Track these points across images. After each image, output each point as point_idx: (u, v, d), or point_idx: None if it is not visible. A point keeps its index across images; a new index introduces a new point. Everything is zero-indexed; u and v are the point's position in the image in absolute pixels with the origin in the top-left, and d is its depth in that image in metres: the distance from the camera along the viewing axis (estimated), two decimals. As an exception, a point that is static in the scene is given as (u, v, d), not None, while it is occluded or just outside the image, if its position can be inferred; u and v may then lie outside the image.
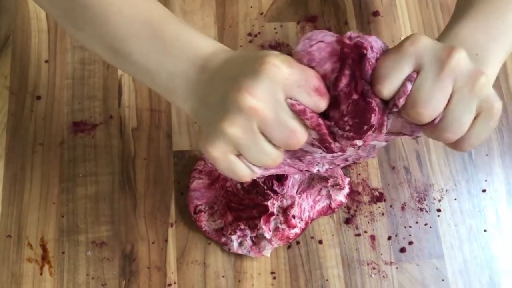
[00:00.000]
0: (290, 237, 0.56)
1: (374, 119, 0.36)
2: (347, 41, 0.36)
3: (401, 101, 0.36)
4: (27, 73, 0.64)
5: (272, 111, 0.35)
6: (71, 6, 0.44)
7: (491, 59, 0.42)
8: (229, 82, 0.36)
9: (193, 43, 0.41)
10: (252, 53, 0.38)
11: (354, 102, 0.36)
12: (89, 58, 0.66)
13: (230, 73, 0.37)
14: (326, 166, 0.44)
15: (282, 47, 0.68)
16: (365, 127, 0.36)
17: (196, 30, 0.43)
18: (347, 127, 0.36)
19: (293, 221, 0.55)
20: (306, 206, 0.56)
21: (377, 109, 0.36)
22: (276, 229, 0.55)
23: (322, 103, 0.36)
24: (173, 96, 0.42)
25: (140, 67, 0.42)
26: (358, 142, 0.38)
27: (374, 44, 0.36)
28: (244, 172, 0.38)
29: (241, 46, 0.68)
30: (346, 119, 0.36)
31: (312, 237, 0.60)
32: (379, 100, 0.36)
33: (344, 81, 0.35)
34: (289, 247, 0.60)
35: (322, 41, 0.36)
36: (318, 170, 0.43)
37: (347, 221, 0.61)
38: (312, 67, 0.36)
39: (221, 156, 0.37)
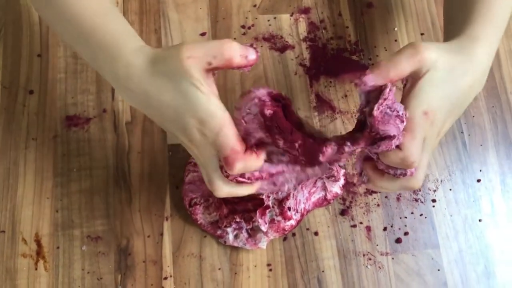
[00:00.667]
0: (286, 229, 0.56)
1: (324, 158, 0.42)
2: (267, 113, 0.40)
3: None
4: (19, 67, 0.64)
5: (205, 163, 0.43)
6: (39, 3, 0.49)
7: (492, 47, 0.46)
8: (168, 123, 0.43)
9: (112, 55, 0.43)
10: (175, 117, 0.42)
11: (301, 146, 0.41)
12: (82, 52, 0.65)
13: (163, 117, 0.43)
14: (294, 182, 0.47)
15: (276, 39, 0.68)
16: (316, 162, 0.42)
17: (122, 29, 0.45)
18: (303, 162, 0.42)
19: (289, 213, 0.55)
20: (301, 198, 0.56)
21: (329, 150, 0.42)
22: (272, 221, 0.55)
23: (230, 172, 0.41)
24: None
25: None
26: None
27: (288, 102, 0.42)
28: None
29: (234, 38, 0.67)
30: (301, 158, 0.42)
31: (307, 229, 0.60)
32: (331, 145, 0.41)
33: (280, 143, 0.41)
34: (284, 239, 0.59)
35: (249, 113, 0.41)
36: (288, 188, 0.46)
37: (343, 213, 0.61)
38: (250, 134, 0.41)
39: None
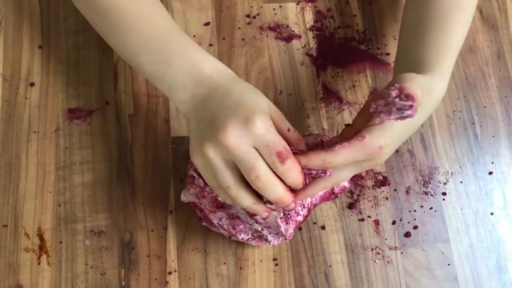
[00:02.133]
0: (294, 226, 0.55)
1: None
2: None
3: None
4: (20, 59, 0.63)
5: (241, 152, 0.43)
6: (96, 18, 0.53)
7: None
8: (220, 113, 0.44)
9: (192, 59, 0.48)
10: (246, 100, 0.45)
11: None
12: (84, 43, 0.64)
13: (223, 105, 0.45)
14: (249, 236, 0.54)
15: (282, 28, 0.66)
16: None
17: (198, 45, 0.50)
18: None
19: (296, 209, 0.53)
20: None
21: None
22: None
23: (278, 165, 0.43)
24: (172, 98, 0.49)
25: (147, 73, 0.50)
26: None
27: None
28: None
29: (239, 28, 0.66)
30: None
31: (314, 223, 0.59)
32: None
33: None
34: (291, 233, 0.58)
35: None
36: (242, 238, 0.54)
37: (350, 206, 0.60)
38: None
39: (201, 166, 0.46)
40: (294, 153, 0.45)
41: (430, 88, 0.47)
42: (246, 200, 0.46)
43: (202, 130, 0.45)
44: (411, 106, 0.41)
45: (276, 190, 0.44)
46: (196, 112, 0.47)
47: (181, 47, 0.49)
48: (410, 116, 0.41)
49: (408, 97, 0.41)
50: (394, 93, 0.42)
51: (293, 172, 0.44)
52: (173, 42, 0.49)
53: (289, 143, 0.46)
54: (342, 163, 0.44)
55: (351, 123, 0.47)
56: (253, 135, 0.43)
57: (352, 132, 0.45)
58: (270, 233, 0.53)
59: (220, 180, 0.45)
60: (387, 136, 0.44)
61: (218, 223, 0.53)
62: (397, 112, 0.41)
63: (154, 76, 0.50)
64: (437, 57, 0.51)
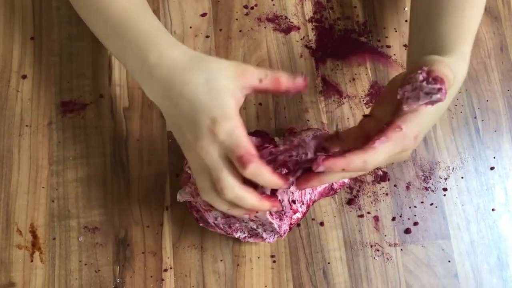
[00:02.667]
0: (292, 223, 0.54)
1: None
2: None
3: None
4: (12, 50, 0.61)
5: (209, 162, 0.42)
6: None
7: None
8: (182, 121, 0.43)
9: (142, 45, 0.45)
10: (200, 104, 0.42)
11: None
12: (77, 34, 0.62)
13: (181, 112, 0.43)
14: (245, 234, 0.53)
15: (280, 20, 0.64)
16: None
17: (155, 26, 0.47)
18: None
19: (294, 206, 0.52)
20: (307, 188, 0.53)
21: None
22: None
23: (242, 171, 0.41)
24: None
25: (117, 59, 0.51)
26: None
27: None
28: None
29: (236, 19, 0.64)
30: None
31: (313, 219, 0.58)
32: None
33: None
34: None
35: None
36: (239, 236, 0.53)
37: (350, 202, 0.59)
38: None
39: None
40: (330, 156, 0.40)
41: (455, 70, 0.44)
42: (222, 206, 0.44)
43: (179, 135, 0.44)
44: (439, 90, 0.38)
45: (245, 202, 0.43)
46: (164, 111, 0.46)
47: (135, 31, 0.46)
48: (439, 100, 0.38)
49: (436, 79, 0.38)
50: (421, 77, 0.39)
51: (260, 176, 0.41)
52: (129, 26, 0.47)
53: (267, 91, 0.43)
54: (384, 161, 0.41)
55: (368, 113, 0.44)
56: (217, 143, 0.41)
57: (372, 124, 0.42)
58: (265, 231, 0.52)
59: (197, 183, 0.45)
60: (419, 124, 0.41)
61: (213, 222, 0.52)
62: (426, 97, 0.38)
63: (125, 66, 0.49)
64: (457, 38, 0.48)
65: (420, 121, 0.41)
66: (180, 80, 0.43)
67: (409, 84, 0.39)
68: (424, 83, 0.39)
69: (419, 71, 0.39)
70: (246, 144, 0.41)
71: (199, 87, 0.42)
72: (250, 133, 0.53)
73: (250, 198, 0.43)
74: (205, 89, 0.42)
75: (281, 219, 0.51)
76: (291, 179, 0.44)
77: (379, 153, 0.40)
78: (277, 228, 0.51)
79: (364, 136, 0.44)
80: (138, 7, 0.49)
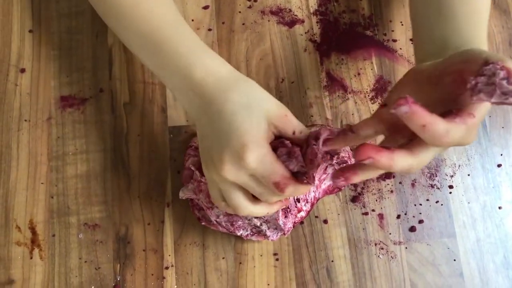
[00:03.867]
0: (296, 221, 0.53)
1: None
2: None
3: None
4: (10, 43, 0.60)
5: (240, 183, 0.43)
6: (102, 9, 0.50)
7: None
8: (215, 140, 0.43)
9: (184, 60, 0.45)
10: (236, 125, 0.42)
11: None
12: (77, 27, 0.61)
13: (216, 129, 0.43)
14: (248, 232, 0.52)
15: (284, 12, 0.63)
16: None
17: (195, 40, 0.46)
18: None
19: (299, 204, 0.51)
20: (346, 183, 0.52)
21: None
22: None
23: (279, 194, 0.42)
24: (179, 103, 0.51)
25: (153, 72, 0.50)
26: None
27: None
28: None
29: (239, 12, 0.63)
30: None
31: (316, 217, 0.57)
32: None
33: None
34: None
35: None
36: (241, 234, 0.52)
37: (354, 199, 0.58)
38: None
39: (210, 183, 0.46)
40: (376, 149, 0.36)
41: None
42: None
43: (205, 151, 0.44)
44: None
45: (256, 214, 0.45)
46: (198, 125, 0.45)
47: (175, 46, 0.46)
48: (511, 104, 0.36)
49: None
50: (502, 74, 0.35)
51: (296, 192, 0.42)
52: (167, 41, 0.46)
53: (296, 144, 0.43)
54: (456, 140, 0.37)
55: (384, 103, 0.41)
56: (248, 170, 0.42)
57: (390, 114, 0.40)
58: (269, 228, 0.51)
59: (226, 198, 0.45)
60: (482, 117, 0.39)
61: (216, 220, 0.51)
62: (501, 97, 0.35)
63: (159, 78, 0.48)
64: (475, 29, 0.47)
65: (484, 113, 0.39)
66: (223, 98, 0.43)
67: (484, 77, 0.37)
68: (505, 82, 0.36)
69: (498, 66, 0.36)
70: (280, 169, 0.41)
71: (239, 109, 0.42)
72: None
73: (261, 210, 0.45)
74: (245, 112, 0.42)
75: (286, 216, 0.50)
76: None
77: (457, 131, 0.36)
78: (282, 225, 0.50)
79: (387, 127, 0.40)
80: (177, 20, 0.48)
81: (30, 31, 0.60)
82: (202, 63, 0.44)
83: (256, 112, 0.42)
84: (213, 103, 0.43)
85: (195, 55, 0.45)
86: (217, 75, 0.44)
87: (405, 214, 0.58)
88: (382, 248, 0.57)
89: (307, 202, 0.52)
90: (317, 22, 0.63)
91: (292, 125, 0.43)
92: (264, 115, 0.42)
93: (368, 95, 0.61)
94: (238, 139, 0.41)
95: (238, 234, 0.52)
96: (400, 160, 0.36)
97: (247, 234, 0.52)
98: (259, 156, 0.41)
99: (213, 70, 0.44)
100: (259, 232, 0.52)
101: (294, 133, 0.43)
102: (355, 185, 0.58)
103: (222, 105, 0.42)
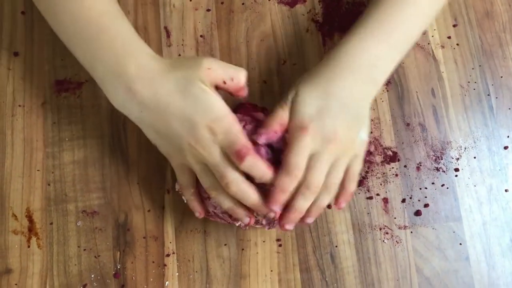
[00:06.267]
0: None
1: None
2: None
3: None
4: (2, 26, 0.58)
5: (212, 159, 0.45)
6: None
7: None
8: (177, 126, 0.45)
9: (119, 53, 0.45)
10: (194, 109, 0.44)
11: None
12: (71, 8, 0.59)
13: (173, 115, 0.45)
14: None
15: (285, -8, 0.61)
16: None
17: (132, 33, 0.47)
18: None
19: None
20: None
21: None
22: None
23: (239, 164, 0.44)
24: (107, 96, 0.47)
25: (80, 60, 0.48)
26: None
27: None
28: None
29: (239, -9, 0.61)
30: None
31: (320, 201, 0.56)
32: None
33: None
34: (295, 212, 0.55)
35: None
36: (240, 225, 0.50)
37: (358, 183, 0.56)
38: None
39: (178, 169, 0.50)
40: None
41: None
42: (225, 202, 0.47)
43: (168, 142, 0.47)
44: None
45: (247, 197, 0.46)
46: (145, 126, 0.47)
47: (110, 37, 0.46)
48: None
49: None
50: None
51: (255, 167, 0.45)
52: (104, 30, 0.46)
53: (230, 93, 0.47)
54: (333, 174, 0.48)
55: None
56: (217, 142, 0.44)
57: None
58: (265, 217, 0.50)
59: (202, 182, 0.47)
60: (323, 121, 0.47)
61: (213, 211, 0.50)
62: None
63: (85, 66, 0.48)
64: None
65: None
66: (164, 92, 0.44)
67: None
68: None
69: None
70: (242, 138, 0.44)
71: (184, 96, 0.44)
72: (237, 107, 0.53)
73: (252, 193, 0.46)
74: (190, 97, 0.44)
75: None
76: None
77: (296, 154, 0.45)
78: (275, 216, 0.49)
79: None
80: (115, 13, 0.48)
81: (22, 12, 0.58)
82: (136, 58, 0.45)
83: (197, 91, 0.44)
84: (154, 97, 0.44)
85: (132, 46, 0.46)
86: (150, 70, 0.45)
87: (410, 198, 0.57)
88: (387, 233, 0.56)
89: None
90: (319, 2, 0.61)
91: (219, 75, 0.46)
92: (203, 88, 0.44)
93: (372, 77, 0.59)
94: (204, 119, 0.44)
95: (237, 224, 0.50)
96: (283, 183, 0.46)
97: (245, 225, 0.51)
98: (226, 126, 0.44)
99: (145, 65, 0.45)
100: (257, 222, 0.51)
101: (224, 82, 0.46)
102: (359, 169, 0.57)
103: (168, 100, 0.44)
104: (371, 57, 0.48)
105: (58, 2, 0.47)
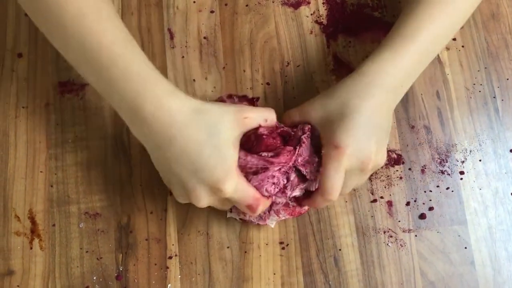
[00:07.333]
0: (302, 212, 0.51)
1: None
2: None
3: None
4: (6, 28, 0.58)
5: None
6: (37, 14, 0.45)
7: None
8: (184, 175, 0.44)
9: (134, 88, 0.42)
10: (205, 160, 0.43)
11: None
12: (75, 10, 0.59)
13: (182, 164, 0.44)
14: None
15: (289, -7, 0.61)
16: None
17: (147, 65, 0.44)
18: None
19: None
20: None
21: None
22: (286, 205, 0.50)
23: (251, 214, 0.47)
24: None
25: (92, 85, 0.46)
26: None
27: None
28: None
29: (243, -7, 0.61)
30: None
31: (323, 204, 0.55)
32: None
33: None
34: (299, 215, 0.55)
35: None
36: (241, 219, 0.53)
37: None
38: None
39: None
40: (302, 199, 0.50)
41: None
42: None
43: (174, 183, 0.46)
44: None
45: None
46: (153, 155, 0.46)
47: (125, 71, 0.42)
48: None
49: None
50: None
51: (264, 207, 0.48)
52: (116, 62, 0.42)
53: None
54: (349, 184, 0.48)
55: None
56: (224, 197, 0.45)
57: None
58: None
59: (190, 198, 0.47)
60: (352, 134, 0.46)
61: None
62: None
63: (100, 92, 0.46)
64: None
65: (324, 134, 0.47)
66: (182, 137, 0.43)
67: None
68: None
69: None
70: (251, 193, 0.45)
71: (203, 146, 0.43)
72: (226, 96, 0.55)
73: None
74: (209, 147, 0.43)
75: (286, 206, 0.51)
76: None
77: (327, 181, 0.45)
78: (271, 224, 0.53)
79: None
80: (127, 40, 0.44)
81: (26, 14, 0.58)
82: (153, 94, 0.42)
83: (219, 142, 0.43)
84: (173, 143, 0.43)
85: (145, 84, 0.42)
86: (170, 109, 0.42)
87: (415, 201, 0.56)
88: (391, 236, 0.55)
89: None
90: (323, 3, 0.61)
91: (255, 121, 0.46)
92: (227, 139, 0.43)
93: (377, 79, 0.59)
94: (210, 176, 0.43)
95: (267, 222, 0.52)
96: (318, 202, 0.47)
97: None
98: (233, 185, 0.44)
99: (163, 103, 0.42)
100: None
101: (260, 125, 0.47)
102: (363, 172, 0.56)
103: (185, 145, 0.42)
104: (401, 72, 0.47)
105: (62, 26, 0.43)
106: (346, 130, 0.45)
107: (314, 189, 0.49)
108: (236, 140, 0.45)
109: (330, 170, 0.45)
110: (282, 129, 0.49)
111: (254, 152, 0.47)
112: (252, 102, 0.57)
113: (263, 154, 0.46)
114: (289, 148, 0.47)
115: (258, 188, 0.46)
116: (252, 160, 0.46)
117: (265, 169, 0.46)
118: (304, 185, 0.49)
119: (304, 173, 0.48)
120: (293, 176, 0.48)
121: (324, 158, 0.46)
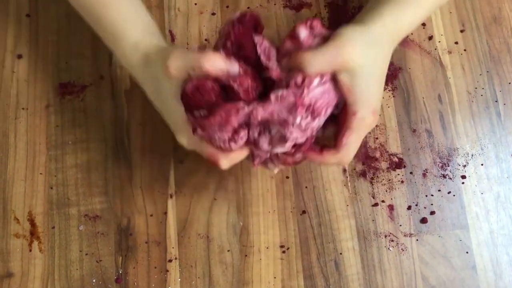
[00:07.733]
0: (297, 161, 0.47)
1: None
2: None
3: None
4: (6, 28, 0.58)
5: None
6: None
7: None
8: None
9: (113, 39, 0.47)
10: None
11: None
12: (76, 11, 0.59)
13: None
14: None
15: (291, -4, 0.61)
16: None
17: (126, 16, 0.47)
18: None
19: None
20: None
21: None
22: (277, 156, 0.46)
23: (219, 167, 0.45)
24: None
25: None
26: None
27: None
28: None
29: (244, -5, 0.60)
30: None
31: (324, 208, 0.55)
32: None
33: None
34: (301, 213, 0.55)
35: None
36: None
37: (363, 173, 0.56)
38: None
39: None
40: (308, 149, 0.45)
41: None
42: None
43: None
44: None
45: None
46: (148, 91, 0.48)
47: (111, 14, 0.47)
48: None
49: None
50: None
51: (234, 161, 0.45)
52: (107, 7, 0.47)
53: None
54: (357, 147, 0.45)
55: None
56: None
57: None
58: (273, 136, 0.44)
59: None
60: (364, 99, 0.44)
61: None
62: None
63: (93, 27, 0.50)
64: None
65: (360, 96, 0.42)
66: (142, 86, 0.46)
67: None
68: None
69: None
70: (203, 149, 0.44)
71: (154, 100, 0.46)
72: (239, 18, 0.46)
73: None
74: (158, 102, 0.45)
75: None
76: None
77: (351, 146, 0.44)
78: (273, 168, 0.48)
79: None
80: None
81: (27, 15, 0.58)
82: (121, 48, 0.46)
83: (162, 96, 0.44)
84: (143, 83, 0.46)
85: (118, 37, 0.47)
86: (130, 63, 0.46)
87: (416, 205, 0.56)
88: (392, 240, 0.55)
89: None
90: (325, 6, 0.61)
91: (179, 71, 0.42)
92: (168, 93, 0.43)
93: (378, 82, 0.59)
94: (170, 126, 0.46)
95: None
96: (328, 158, 0.45)
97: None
98: (185, 138, 0.45)
99: (129, 56, 0.46)
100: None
101: (189, 74, 0.42)
102: (364, 174, 0.56)
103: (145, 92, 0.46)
104: (404, 25, 0.46)
105: None
106: (378, 99, 0.44)
107: (275, 77, 0.43)
108: (177, 93, 0.43)
109: (355, 141, 0.44)
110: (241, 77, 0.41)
111: (187, 110, 0.43)
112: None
113: (195, 113, 0.42)
114: (228, 106, 0.41)
115: (212, 142, 0.43)
116: (191, 118, 0.43)
117: (203, 127, 0.43)
118: (287, 143, 0.43)
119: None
120: (270, 132, 0.43)
121: (349, 123, 0.43)
